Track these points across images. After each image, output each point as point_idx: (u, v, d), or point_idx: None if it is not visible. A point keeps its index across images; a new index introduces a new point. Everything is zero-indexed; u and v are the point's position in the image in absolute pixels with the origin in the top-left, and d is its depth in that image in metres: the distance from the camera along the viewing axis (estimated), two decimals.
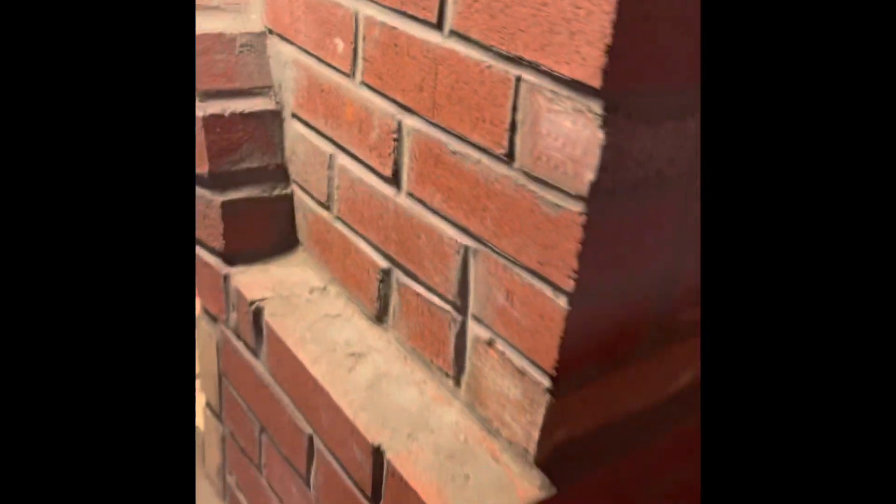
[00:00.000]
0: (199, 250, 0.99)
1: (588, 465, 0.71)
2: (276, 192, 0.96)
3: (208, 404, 1.11)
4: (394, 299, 0.82)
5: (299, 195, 0.95)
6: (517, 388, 0.68)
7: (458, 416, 0.75)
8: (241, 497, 1.08)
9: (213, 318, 1.01)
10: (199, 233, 0.97)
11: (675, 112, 0.58)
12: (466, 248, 0.69)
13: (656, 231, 0.63)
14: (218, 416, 1.08)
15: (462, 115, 0.65)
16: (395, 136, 0.74)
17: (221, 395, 1.05)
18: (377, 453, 0.71)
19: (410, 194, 0.75)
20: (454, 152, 0.67)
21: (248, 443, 1.00)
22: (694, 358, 0.77)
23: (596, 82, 0.53)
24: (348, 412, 0.75)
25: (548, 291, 0.62)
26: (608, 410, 0.71)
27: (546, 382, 0.64)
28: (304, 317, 0.87)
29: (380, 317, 0.85)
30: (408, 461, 0.70)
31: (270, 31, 0.92)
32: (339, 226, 0.88)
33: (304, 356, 0.81)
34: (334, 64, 0.81)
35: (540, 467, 0.68)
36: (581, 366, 0.65)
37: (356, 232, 0.85)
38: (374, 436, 0.72)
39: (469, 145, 0.65)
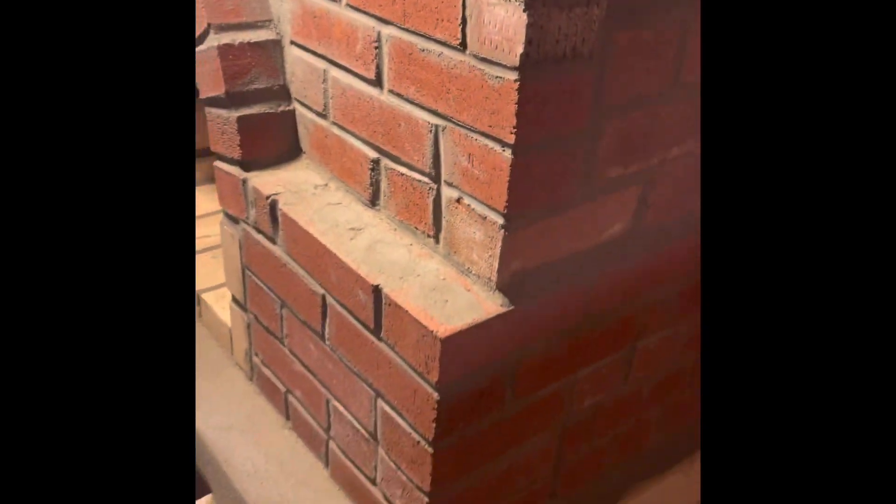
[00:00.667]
0: (218, 163, 1.19)
1: (538, 292, 0.92)
2: (281, 108, 1.15)
3: (234, 299, 1.31)
4: (383, 184, 1.02)
5: (300, 110, 1.14)
6: (480, 231, 0.88)
7: (439, 264, 0.95)
8: (266, 372, 1.29)
9: (234, 220, 1.21)
10: (218, 147, 1.17)
11: (582, 0, 0.77)
12: (436, 127, 0.89)
13: (576, 97, 0.82)
14: (243, 306, 1.28)
15: (426, 18, 0.84)
16: (375, 44, 0.94)
17: (245, 286, 1.25)
18: (377, 291, 0.92)
19: (391, 91, 0.94)
20: (422, 49, 0.87)
21: (271, 320, 1.20)
22: (623, 212, 0.97)
23: None
24: (352, 266, 0.95)
25: (497, 148, 0.81)
26: (552, 248, 0.91)
27: (501, 220, 0.84)
28: (311, 205, 1.07)
29: (373, 201, 1.05)
30: (401, 294, 0.90)
31: None
32: (335, 130, 1.07)
33: (314, 231, 1.02)
34: None
35: (501, 291, 0.89)
36: (526, 206, 0.85)
37: (349, 132, 1.04)
38: (373, 279, 0.92)
39: (433, 42, 0.85)
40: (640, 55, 0.85)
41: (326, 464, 1.19)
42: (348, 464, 1.12)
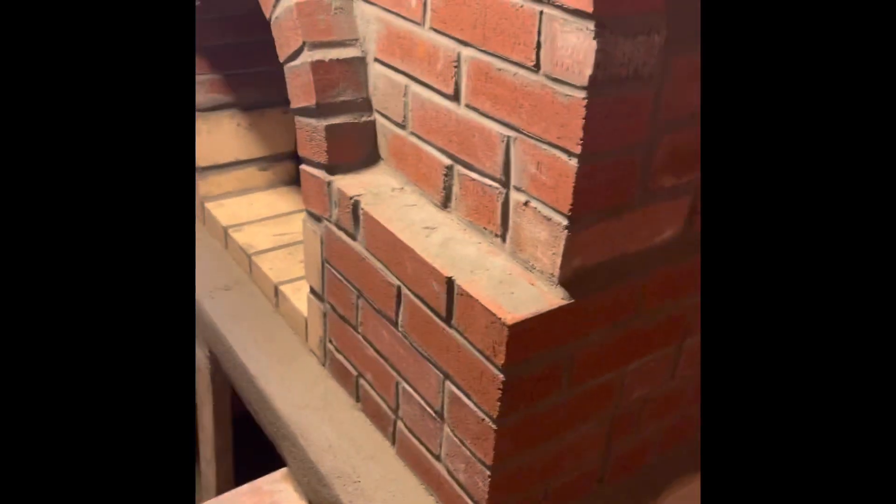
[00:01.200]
0: (305, 166, 1.32)
1: (596, 288, 1.02)
2: (363, 119, 1.28)
3: (312, 290, 1.44)
4: (455, 188, 1.14)
5: (380, 121, 1.27)
6: (545, 231, 0.99)
7: (505, 261, 1.06)
8: (339, 357, 1.41)
9: (317, 218, 1.34)
10: (306, 152, 1.30)
11: (644, 29, 0.87)
12: (508, 138, 1.00)
13: (636, 113, 0.93)
14: (320, 297, 1.41)
15: (504, 42, 0.96)
16: (455, 63, 1.05)
17: (324, 279, 1.38)
18: (449, 282, 1.03)
19: (467, 105, 1.06)
20: (499, 69, 0.98)
21: (347, 309, 1.33)
22: (675, 218, 1.07)
23: (590, 9, 0.83)
24: (427, 259, 1.07)
25: (563, 157, 0.92)
26: (609, 248, 1.02)
27: (564, 222, 0.95)
28: (390, 205, 1.19)
29: (445, 203, 1.17)
30: (471, 285, 1.01)
31: None
32: (413, 139, 1.19)
33: (392, 228, 1.13)
34: (408, 16, 1.12)
35: (562, 286, 0.99)
36: (588, 209, 0.95)
37: (426, 141, 1.16)
38: (447, 272, 1.04)
39: (509, 63, 0.96)
40: (693, 78, 0.95)
41: (393, 441, 1.30)
42: (414, 441, 1.23)
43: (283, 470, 1.40)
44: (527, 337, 0.97)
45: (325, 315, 1.42)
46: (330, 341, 1.43)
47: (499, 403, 1.00)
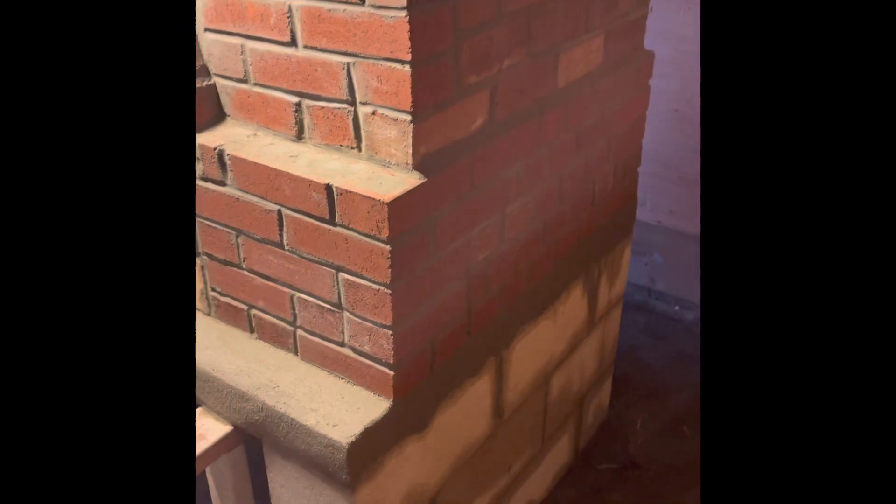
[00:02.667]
0: None
1: (440, 168, 1.32)
2: (205, 83, 1.46)
3: None
4: (306, 120, 1.37)
5: (221, 82, 1.46)
6: (394, 130, 1.26)
7: (366, 164, 1.33)
8: (226, 300, 1.58)
9: None
10: None
11: None
12: (348, 64, 1.26)
13: (443, 24, 1.23)
14: (195, 253, 1.57)
15: None
16: (287, 14, 1.29)
17: (195, 233, 1.54)
18: (328, 188, 1.27)
19: (306, 46, 1.30)
20: (329, 10, 1.23)
21: (227, 252, 1.51)
22: (482, 109, 1.40)
23: None
24: (303, 175, 1.30)
25: (398, 66, 1.20)
26: (442, 136, 1.32)
27: (409, 118, 1.24)
28: (252, 147, 1.40)
29: (299, 135, 1.40)
30: (347, 184, 1.26)
31: None
32: (258, 89, 1.41)
33: (263, 161, 1.35)
34: None
35: (417, 170, 1.28)
36: (423, 106, 1.24)
37: (271, 87, 1.38)
38: (324, 181, 1.28)
39: (337, 3, 1.22)
40: None
41: (296, 351, 1.52)
42: (317, 340, 1.46)
43: (199, 409, 1.55)
44: (401, 212, 1.25)
45: (203, 268, 1.58)
46: (213, 289, 1.60)
47: (389, 271, 1.27)
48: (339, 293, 1.37)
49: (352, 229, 1.29)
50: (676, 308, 3.14)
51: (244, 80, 1.42)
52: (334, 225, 1.31)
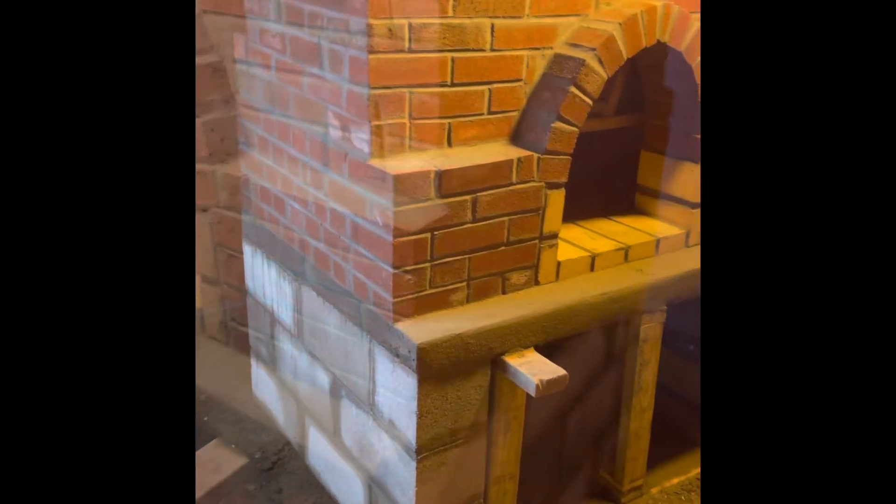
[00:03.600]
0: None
1: None
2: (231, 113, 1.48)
3: (204, 278, 1.59)
4: None
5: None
6: None
7: None
8: (243, 329, 1.57)
9: (203, 210, 1.51)
10: None
11: None
12: None
13: None
14: (215, 281, 1.57)
15: None
16: None
17: (217, 262, 1.54)
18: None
19: None
20: None
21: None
22: None
23: None
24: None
25: None
26: None
27: None
28: None
29: None
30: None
31: None
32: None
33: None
34: None
35: None
36: None
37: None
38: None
39: None
40: None
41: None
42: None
43: (216, 440, 1.53)
44: None
45: (221, 298, 1.59)
46: (232, 320, 1.60)
47: None
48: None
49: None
50: None
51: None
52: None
